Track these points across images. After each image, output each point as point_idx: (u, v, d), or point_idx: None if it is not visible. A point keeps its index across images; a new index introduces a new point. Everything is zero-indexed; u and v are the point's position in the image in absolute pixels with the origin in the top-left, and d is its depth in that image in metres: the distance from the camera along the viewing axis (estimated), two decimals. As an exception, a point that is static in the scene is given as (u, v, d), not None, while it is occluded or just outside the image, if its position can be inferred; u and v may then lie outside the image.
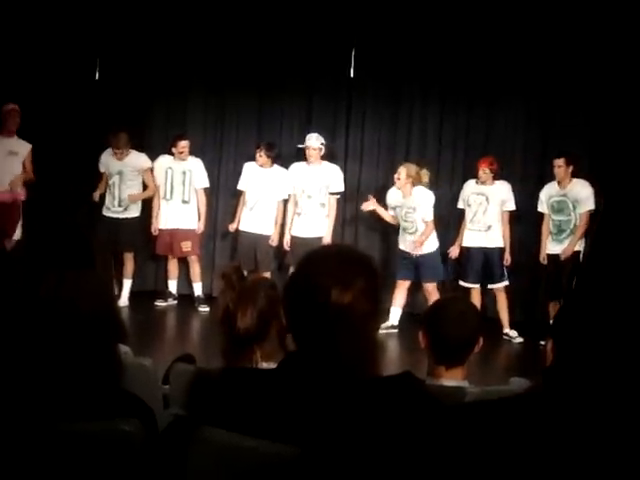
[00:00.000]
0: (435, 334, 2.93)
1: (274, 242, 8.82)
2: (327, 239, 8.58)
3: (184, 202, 8.96)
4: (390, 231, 9.28)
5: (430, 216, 8.38)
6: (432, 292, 8.31)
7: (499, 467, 1.07)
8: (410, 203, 8.34)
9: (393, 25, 9.04)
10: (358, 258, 1.92)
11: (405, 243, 8.49)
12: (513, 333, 8.39)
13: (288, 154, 9.39)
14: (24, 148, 8.54)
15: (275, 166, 8.88)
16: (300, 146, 8.89)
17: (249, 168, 8.94)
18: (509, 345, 8.30)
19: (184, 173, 8.92)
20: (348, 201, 9.17)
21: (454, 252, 8.62)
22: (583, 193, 8.10)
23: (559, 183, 8.24)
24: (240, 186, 8.99)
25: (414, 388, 1.80)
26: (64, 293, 1.73)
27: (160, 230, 8.96)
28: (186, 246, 8.94)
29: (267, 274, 8.32)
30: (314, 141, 8.69)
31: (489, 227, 8.49)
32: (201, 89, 9.54)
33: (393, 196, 8.51)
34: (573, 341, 1.22)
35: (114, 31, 9.18)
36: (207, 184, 9.04)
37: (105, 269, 2.22)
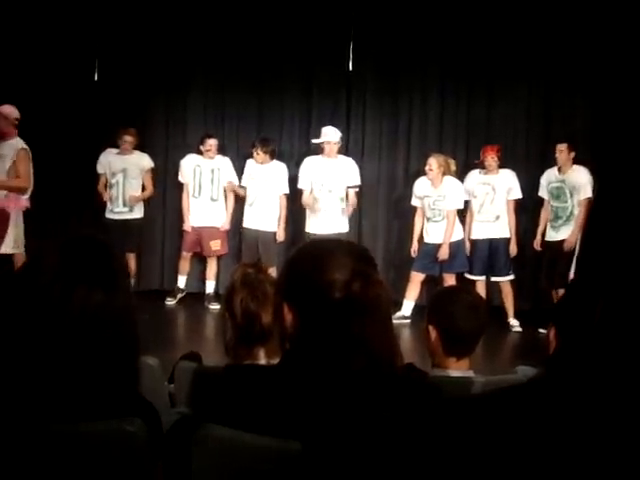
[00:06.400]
0: (447, 326, 2.90)
1: (280, 238, 8.82)
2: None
3: (212, 200, 8.99)
4: (394, 224, 9.29)
5: (459, 205, 8.35)
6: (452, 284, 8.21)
7: (500, 458, 1.05)
8: (440, 192, 8.31)
9: (390, 17, 9.03)
10: (362, 250, 1.91)
11: (429, 235, 8.42)
12: (514, 322, 8.33)
13: (289, 149, 9.41)
14: (12, 150, 7.70)
15: (274, 161, 8.87)
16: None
17: (249, 165, 8.95)
18: (513, 334, 8.27)
19: (212, 171, 8.96)
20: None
21: (466, 247, 8.45)
22: (581, 180, 8.01)
23: (559, 169, 8.18)
24: (243, 182, 8.99)
25: (417, 381, 1.79)
26: (93, 307, 1.75)
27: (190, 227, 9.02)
28: (215, 245, 8.98)
29: (272, 270, 8.29)
30: (333, 135, 8.58)
31: (497, 217, 8.37)
32: (200, 88, 9.54)
33: (422, 186, 8.46)
34: (576, 327, 1.20)
35: (113, 32, 9.17)
36: (236, 182, 9.04)
37: None
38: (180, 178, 9.09)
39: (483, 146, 8.52)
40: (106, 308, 1.77)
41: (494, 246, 8.39)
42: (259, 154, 8.78)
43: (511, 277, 8.43)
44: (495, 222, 8.39)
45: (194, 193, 9.00)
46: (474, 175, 8.49)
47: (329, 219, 8.54)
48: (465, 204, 8.50)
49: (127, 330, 1.83)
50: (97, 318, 1.75)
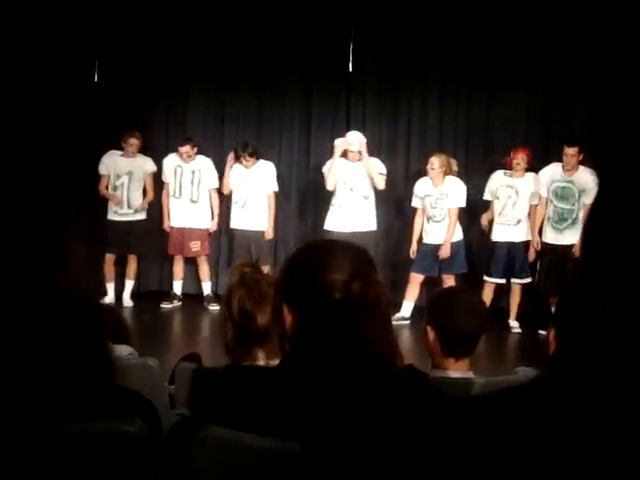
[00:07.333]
0: (446, 326, 2.89)
1: (269, 235, 8.83)
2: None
3: (192, 202, 8.97)
4: (394, 226, 9.28)
5: (461, 203, 8.30)
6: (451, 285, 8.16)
7: (501, 460, 1.05)
8: (442, 190, 8.27)
9: (390, 18, 9.02)
10: (361, 250, 1.91)
11: (429, 236, 8.37)
12: (514, 323, 8.30)
13: (289, 149, 9.41)
14: None
15: (260, 161, 8.84)
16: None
17: (236, 169, 8.87)
18: (512, 335, 8.26)
19: (193, 172, 8.93)
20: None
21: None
22: (591, 183, 7.91)
23: (566, 169, 8.08)
24: (231, 185, 8.91)
25: (417, 382, 1.79)
26: (42, 293, 1.72)
27: (171, 228, 8.99)
28: (195, 246, 8.95)
29: (266, 268, 8.29)
30: (356, 145, 8.48)
31: (518, 221, 8.24)
32: (201, 89, 9.54)
33: (423, 185, 8.40)
34: (576, 328, 1.20)
35: (113, 33, 9.16)
36: (217, 184, 9.01)
37: (94, 269, 2.20)
38: (163, 178, 9.05)
39: (514, 147, 8.38)
40: (57, 286, 1.74)
41: (513, 250, 8.26)
42: (248, 160, 8.74)
43: (528, 280, 8.32)
44: (516, 226, 8.25)
45: (175, 194, 8.97)
46: (499, 176, 8.35)
47: (350, 217, 8.48)
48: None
49: (84, 312, 1.79)
50: (52, 298, 1.72)
